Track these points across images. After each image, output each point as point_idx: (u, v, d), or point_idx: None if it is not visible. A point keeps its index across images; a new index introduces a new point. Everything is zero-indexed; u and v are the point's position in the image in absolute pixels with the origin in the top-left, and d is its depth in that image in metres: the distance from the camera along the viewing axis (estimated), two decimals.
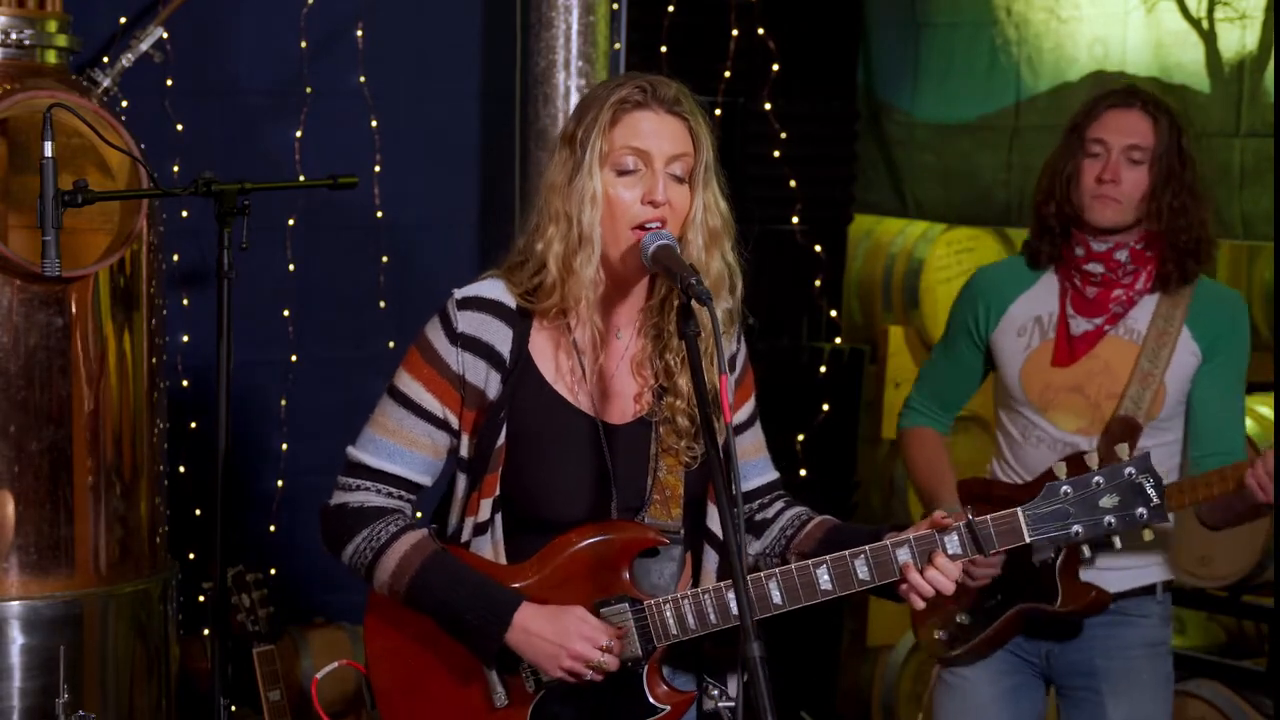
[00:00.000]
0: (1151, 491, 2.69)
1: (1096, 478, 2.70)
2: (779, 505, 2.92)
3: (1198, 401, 3.65)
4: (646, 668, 2.75)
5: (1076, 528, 2.69)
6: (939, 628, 3.75)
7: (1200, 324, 3.63)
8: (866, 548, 2.68)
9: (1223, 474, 3.52)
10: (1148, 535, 2.78)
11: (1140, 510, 2.70)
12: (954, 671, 3.78)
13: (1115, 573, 3.64)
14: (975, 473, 3.90)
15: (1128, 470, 2.70)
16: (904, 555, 2.68)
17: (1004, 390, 3.75)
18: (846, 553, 2.69)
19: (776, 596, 2.68)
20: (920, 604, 2.69)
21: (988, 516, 2.69)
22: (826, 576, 2.68)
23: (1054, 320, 3.67)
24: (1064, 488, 2.70)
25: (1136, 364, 3.60)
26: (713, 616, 2.70)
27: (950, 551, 2.68)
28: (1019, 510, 2.69)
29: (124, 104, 4.22)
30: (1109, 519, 2.70)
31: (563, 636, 2.67)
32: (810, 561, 2.69)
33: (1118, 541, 2.89)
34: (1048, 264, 3.70)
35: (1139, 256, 3.62)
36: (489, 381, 2.75)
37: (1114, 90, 3.71)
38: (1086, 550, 2.89)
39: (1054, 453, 3.63)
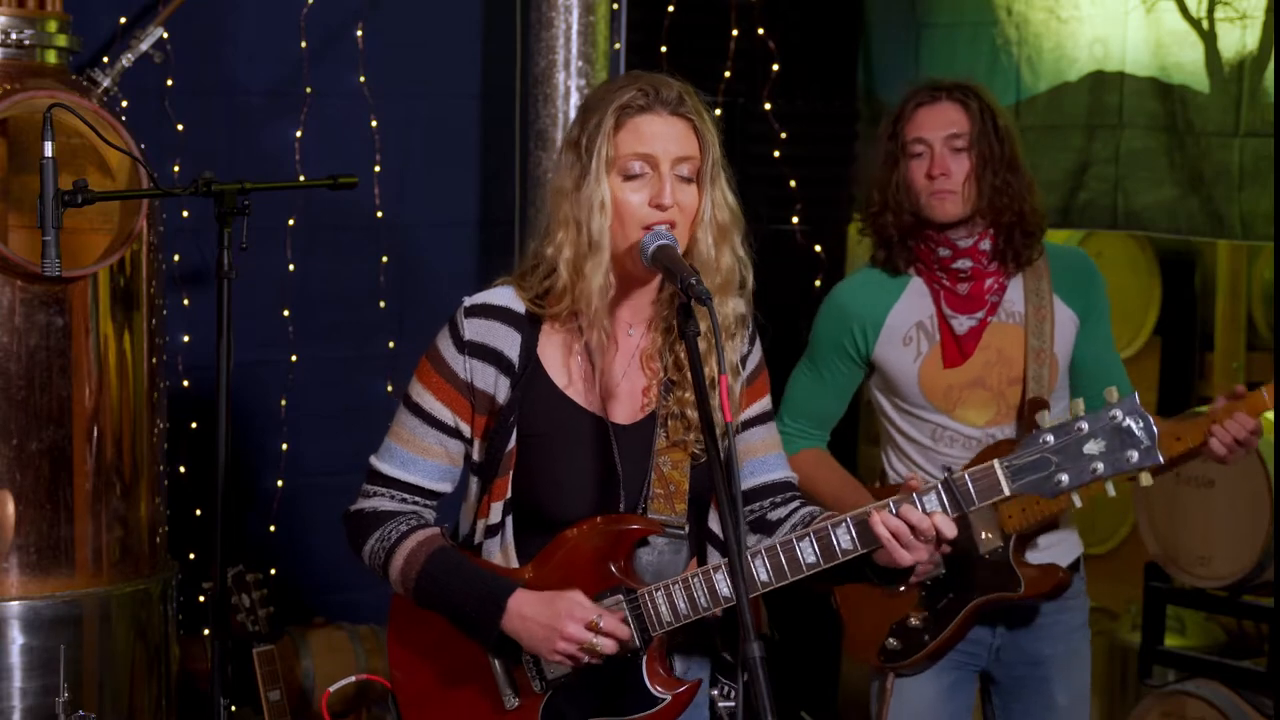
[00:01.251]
0: (1141, 433, 2.58)
1: (1080, 423, 2.59)
2: (794, 504, 2.92)
3: (1081, 360, 3.67)
4: (645, 658, 2.75)
5: (1062, 476, 2.59)
6: (891, 636, 3.70)
7: (1066, 289, 3.65)
8: (847, 515, 2.67)
9: (1183, 430, 3.54)
10: (1145, 479, 2.65)
11: (1131, 453, 2.58)
12: (902, 678, 3.74)
13: (1046, 551, 3.66)
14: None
15: (1112, 413, 2.59)
16: (881, 518, 2.64)
17: (900, 397, 3.70)
18: (828, 523, 2.67)
19: (763, 574, 2.68)
20: (905, 558, 2.62)
21: (965, 472, 2.63)
22: (810, 549, 2.67)
23: (935, 323, 3.65)
24: (1045, 436, 2.60)
25: (1026, 344, 3.61)
26: (702, 600, 2.70)
27: (928, 510, 2.64)
28: (995, 462, 2.62)
29: (124, 104, 4.22)
30: (1096, 465, 2.59)
31: (555, 619, 2.68)
32: (793, 536, 2.68)
33: (1076, 500, 2.75)
34: (906, 268, 3.68)
35: (995, 243, 3.63)
36: (498, 386, 2.77)
37: (918, 89, 3.69)
38: (1077, 500, 2.78)
39: (968, 451, 3.62)
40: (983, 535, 3.61)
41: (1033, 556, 3.65)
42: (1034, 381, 3.59)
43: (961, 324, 3.63)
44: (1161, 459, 2.64)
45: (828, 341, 3.76)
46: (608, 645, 2.69)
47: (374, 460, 2.88)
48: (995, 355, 3.62)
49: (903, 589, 3.55)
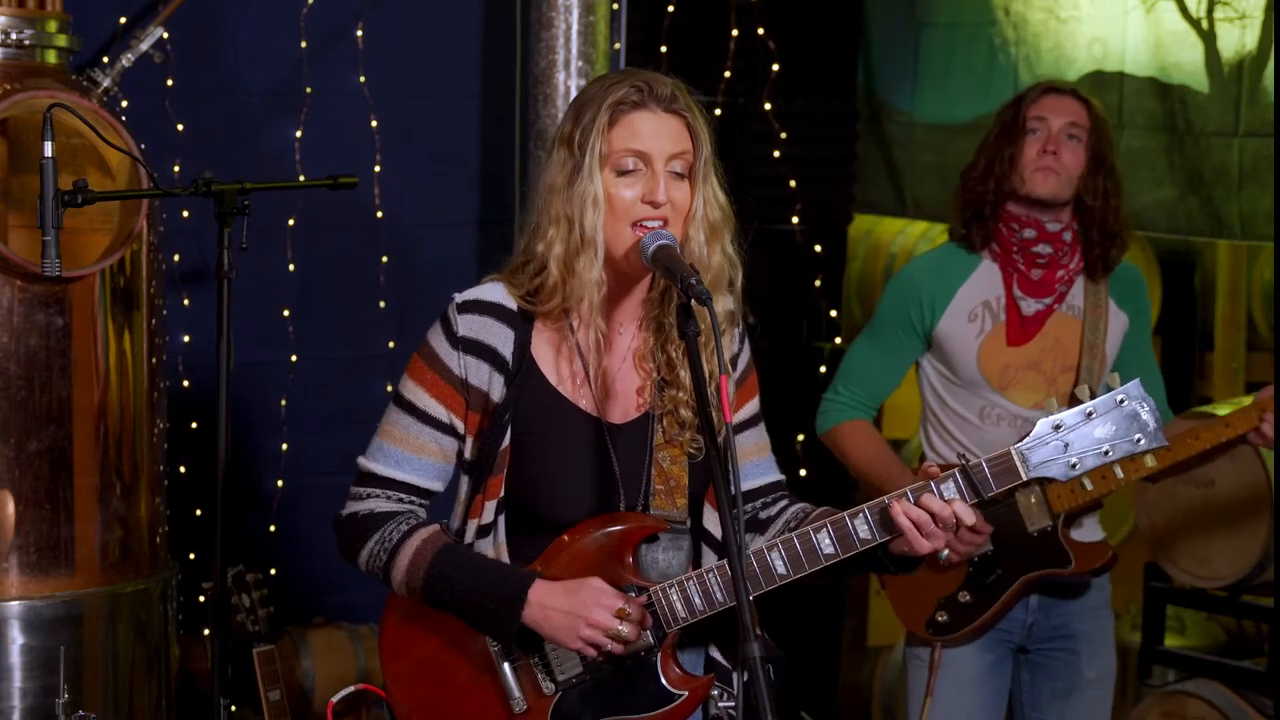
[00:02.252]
0: (1147, 417, 2.66)
1: (1089, 408, 2.67)
2: (783, 503, 2.92)
3: (1127, 364, 3.80)
4: (660, 655, 2.75)
5: (1074, 459, 2.67)
6: (941, 610, 3.82)
7: (1121, 297, 3.85)
8: (864, 506, 2.68)
9: (1184, 439, 3.70)
10: (1150, 461, 2.79)
11: (1138, 436, 2.67)
12: (946, 650, 3.85)
13: (1087, 530, 3.83)
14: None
15: (1119, 397, 2.66)
16: (903, 507, 2.65)
17: (954, 372, 3.84)
18: (845, 513, 2.68)
19: (780, 566, 2.68)
20: (923, 546, 2.64)
21: (982, 459, 2.66)
22: (828, 540, 2.67)
23: (1002, 303, 3.80)
24: (1056, 421, 2.67)
25: (1082, 338, 3.78)
26: (719, 595, 2.70)
27: (947, 498, 2.65)
28: (1012, 448, 2.66)
29: (124, 104, 4.22)
30: (1106, 448, 2.67)
31: (580, 607, 2.67)
32: (810, 527, 2.68)
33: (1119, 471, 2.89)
34: (982, 248, 3.83)
35: (1076, 237, 3.80)
36: (492, 384, 2.76)
37: (1051, 81, 3.95)
38: (1087, 483, 2.90)
39: (1014, 430, 3.72)
40: (1032, 514, 3.75)
41: (1078, 535, 3.79)
42: (1085, 373, 3.75)
43: (1029, 306, 3.79)
44: (1167, 442, 2.73)
45: (893, 313, 3.89)
46: (632, 632, 2.67)
47: (364, 461, 2.84)
48: (1053, 343, 3.79)
49: (951, 566, 3.76)
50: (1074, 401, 3.40)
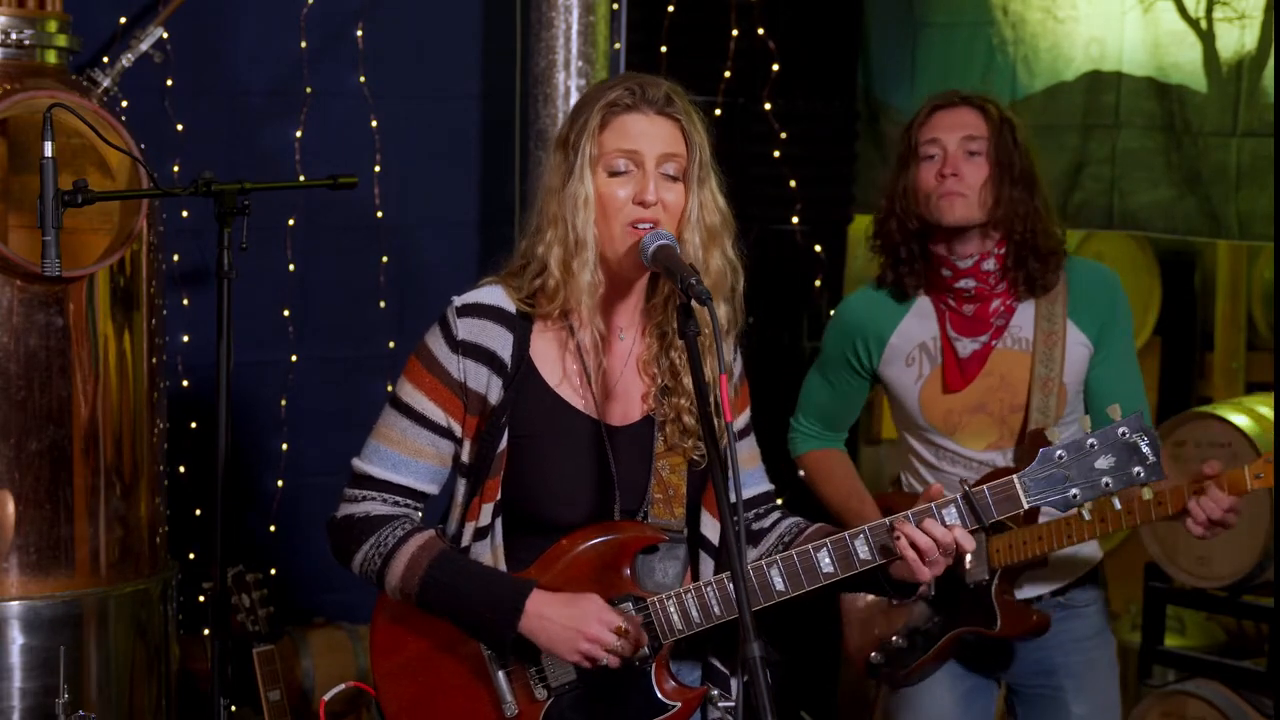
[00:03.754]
0: (1147, 450, 2.69)
1: (1090, 440, 2.69)
2: (775, 515, 2.93)
3: (1098, 390, 3.57)
4: (654, 665, 2.75)
5: (1074, 490, 2.69)
6: (876, 650, 3.69)
7: (1083, 314, 3.55)
8: (865, 526, 2.69)
9: (1164, 498, 3.40)
10: (1147, 494, 2.77)
11: (1137, 469, 2.70)
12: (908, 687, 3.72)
13: (1033, 585, 3.61)
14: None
15: (1121, 430, 2.69)
16: (909, 533, 2.66)
17: (905, 415, 3.67)
18: (846, 533, 2.70)
19: (779, 583, 2.68)
20: (924, 574, 2.65)
21: (984, 485, 2.68)
22: (828, 559, 2.68)
23: (939, 344, 3.59)
24: (1058, 452, 2.69)
25: (1032, 373, 3.52)
26: (716, 608, 2.70)
27: (948, 523, 2.67)
28: (1015, 476, 2.68)
29: (124, 104, 4.22)
30: (1106, 480, 2.69)
31: (577, 620, 2.67)
32: (810, 545, 2.69)
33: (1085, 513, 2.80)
34: (914, 293, 3.62)
35: (1001, 262, 3.53)
36: (490, 387, 2.75)
37: (937, 95, 3.65)
38: (1086, 513, 2.82)
39: (971, 470, 3.57)
40: (970, 565, 3.55)
41: (1020, 591, 3.59)
42: (1038, 412, 3.51)
43: (965, 347, 3.57)
44: (1165, 475, 2.73)
45: (835, 353, 3.75)
46: (628, 647, 2.68)
47: (359, 463, 2.84)
48: (998, 381, 3.56)
49: (896, 603, 3.61)
50: (1041, 441, 3.21)
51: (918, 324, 3.62)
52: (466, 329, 2.76)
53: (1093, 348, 3.56)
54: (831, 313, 3.78)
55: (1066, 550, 3.56)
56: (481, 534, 2.76)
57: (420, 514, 2.85)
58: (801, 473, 3.89)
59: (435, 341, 2.78)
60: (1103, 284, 3.62)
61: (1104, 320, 3.57)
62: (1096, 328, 3.56)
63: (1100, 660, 3.68)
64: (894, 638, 3.67)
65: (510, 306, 2.78)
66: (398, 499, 2.81)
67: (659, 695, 2.76)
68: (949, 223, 3.50)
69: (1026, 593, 3.61)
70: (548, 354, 2.79)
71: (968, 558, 3.43)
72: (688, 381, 2.77)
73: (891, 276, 3.63)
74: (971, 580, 3.55)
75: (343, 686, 2.96)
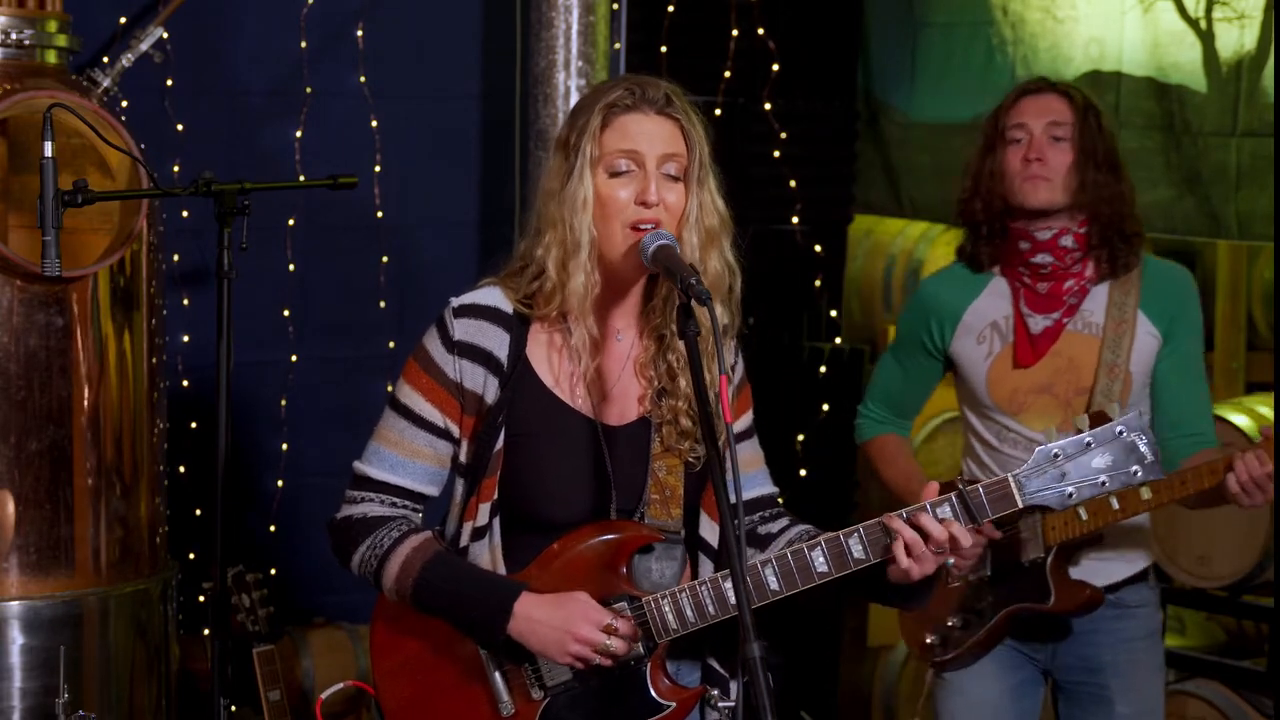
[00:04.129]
0: (1145, 449, 2.65)
1: (1087, 438, 2.66)
2: (784, 521, 2.91)
3: (1162, 384, 3.63)
4: (649, 665, 2.75)
5: (1070, 489, 2.66)
6: (930, 632, 3.72)
7: (1154, 306, 3.61)
8: (859, 526, 2.68)
9: (1201, 472, 3.47)
10: (1145, 493, 2.74)
11: (1135, 469, 2.66)
12: (955, 673, 3.74)
13: (1109, 564, 3.63)
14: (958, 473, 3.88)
15: (1119, 429, 2.66)
16: (896, 526, 2.66)
17: (971, 395, 3.73)
18: (840, 532, 2.68)
19: (773, 583, 2.68)
20: (914, 569, 2.63)
21: (978, 485, 2.66)
22: (821, 558, 2.67)
23: (1010, 323, 3.65)
24: (1054, 450, 2.66)
25: (1100, 357, 3.59)
26: (711, 608, 2.70)
27: (941, 519, 2.65)
28: (1009, 476, 2.66)
29: (124, 104, 4.22)
30: (1103, 479, 2.66)
31: (567, 621, 2.67)
32: (804, 545, 2.68)
33: (1082, 512, 2.82)
34: (990, 266, 3.69)
35: (1083, 242, 3.61)
36: (487, 387, 2.76)
37: (1026, 82, 3.76)
38: (1083, 513, 2.85)
39: (1029, 454, 3.58)
40: (1028, 544, 3.61)
41: (1075, 571, 3.63)
42: (1102, 396, 3.56)
43: (1037, 323, 3.63)
44: (1164, 474, 2.72)
45: (909, 333, 3.81)
46: (620, 647, 2.68)
47: (359, 465, 2.84)
48: (1066, 363, 3.61)
49: (955, 581, 3.66)
50: (1101, 420, 3.38)
51: (991, 302, 3.69)
52: (463, 329, 2.76)
53: (1161, 340, 3.62)
54: (907, 298, 3.85)
55: (1121, 551, 3.62)
56: (479, 534, 2.77)
57: (420, 515, 2.85)
58: (865, 459, 3.94)
59: (432, 342, 2.79)
60: (1176, 279, 3.69)
61: (1174, 314, 3.63)
62: (1167, 321, 3.62)
63: (1147, 663, 3.70)
64: (949, 620, 3.70)
65: (508, 307, 2.78)
66: (396, 500, 2.82)
67: (654, 695, 2.76)
68: (1032, 205, 3.60)
69: None
70: (544, 354, 2.79)
71: (950, 562, 3.51)
72: (685, 384, 2.77)
73: (970, 249, 3.72)
74: (1027, 559, 3.60)
75: (340, 685, 2.96)
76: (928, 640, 3.73)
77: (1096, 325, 3.61)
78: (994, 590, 3.66)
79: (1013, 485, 2.67)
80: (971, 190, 3.69)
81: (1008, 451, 3.66)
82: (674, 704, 2.76)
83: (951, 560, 3.45)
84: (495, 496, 2.76)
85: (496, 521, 2.77)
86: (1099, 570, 3.63)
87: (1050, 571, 3.59)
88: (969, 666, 3.71)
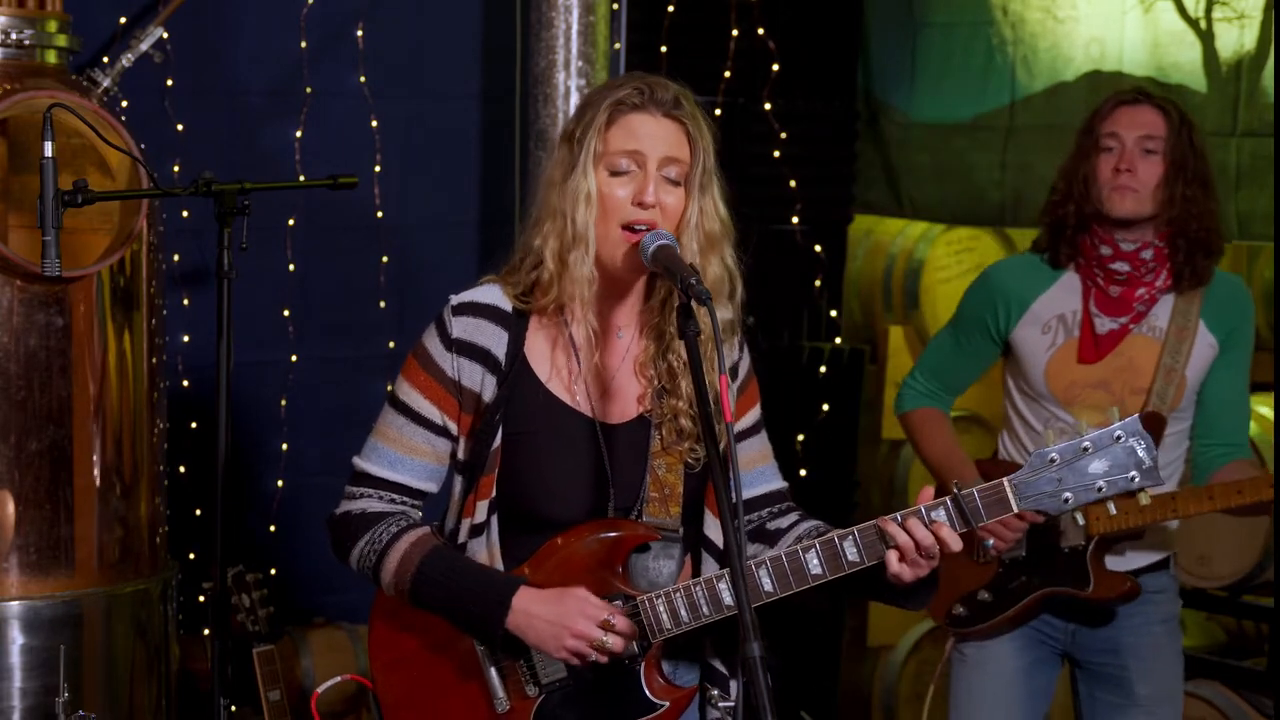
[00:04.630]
0: (1143, 454, 2.65)
1: (1084, 443, 2.65)
2: (794, 516, 2.91)
3: (1209, 392, 3.73)
4: (644, 664, 2.75)
5: (1067, 495, 2.65)
6: (959, 603, 3.80)
7: (1215, 317, 3.70)
8: (854, 529, 2.68)
9: (1260, 483, 3.57)
10: (1144, 499, 2.76)
11: (1132, 474, 2.65)
12: (973, 645, 3.83)
13: (1134, 551, 3.73)
14: None
15: (1116, 433, 2.65)
16: (890, 530, 2.66)
17: (1025, 381, 3.79)
18: (835, 535, 2.68)
19: (768, 584, 2.68)
20: (905, 573, 2.64)
21: (974, 489, 2.66)
22: (816, 560, 2.67)
23: (1078, 319, 3.72)
24: (1051, 455, 2.65)
25: (1160, 360, 3.66)
26: (705, 608, 2.70)
27: (935, 523, 2.65)
28: (1005, 480, 2.66)
29: (124, 104, 4.22)
30: (1100, 484, 2.65)
31: (564, 616, 2.67)
32: (799, 546, 2.68)
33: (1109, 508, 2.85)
34: (1067, 263, 3.76)
35: (1160, 255, 3.68)
36: (484, 384, 2.76)
37: (1123, 90, 3.81)
38: (1079, 518, 2.86)
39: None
40: (1069, 531, 3.69)
41: (1113, 561, 3.71)
42: (1157, 397, 3.65)
43: (1104, 324, 3.70)
44: (1163, 481, 2.72)
45: (972, 314, 3.86)
46: (617, 643, 2.68)
47: (358, 461, 2.85)
48: (1126, 363, 3.69)
49: (990, 559, 3.74)
50: (1156, 423, 3.54)
51: (1062, 295, 3.75)
52: (461, 327, 2.77)
53: (1218, 350, 3.71)
54: (975, 278, 3.93)
55: (1146, 539, 3.71)
56: (477, 531, 2.77)
57: (419, 512, 2.86)
58: (903, 430, 4.01)
59: (431, 340, 2.79)
60: (1238, 293, 3.78)
61: (1234, 326, 3.73)
62: (1225, 332, 3.71)
63: (1166, 647, 3.80)
64: (980, 594, 3.77)
65: (506, 305, 2.79)
66: (395, 496, 2.82)
67: (648, 694, 2.76)
68: (1118, 215, 3.66)
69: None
70: (542, 351, 2.79)
71: (989, 543, 3.64)
72: (685, 384, 2.77)
73: (1047, 244, 3.78)
74: (1068, 545, 3.70)
75: (337, 679, 2.96)
76: (956, 610, 3.81)
77: (1160, 329, 3.69)
78: (1029, 571, 3.74)
79: (1008, 490, 2.66)
80: (1065, 193, 3.75)
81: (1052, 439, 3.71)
82: (667, 703, 2.76)
83: (990, 541, 3.55)
84: (493, 494, 2.76)
85: (494, 519, 2.77)
86: (1124, 557, 3.73)
87: (1090, 560, 3.69)
88: (993, 640, 3.80)
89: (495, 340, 2.76)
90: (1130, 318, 3.69)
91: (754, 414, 2.92)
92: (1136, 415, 2.72)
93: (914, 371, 3.98)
